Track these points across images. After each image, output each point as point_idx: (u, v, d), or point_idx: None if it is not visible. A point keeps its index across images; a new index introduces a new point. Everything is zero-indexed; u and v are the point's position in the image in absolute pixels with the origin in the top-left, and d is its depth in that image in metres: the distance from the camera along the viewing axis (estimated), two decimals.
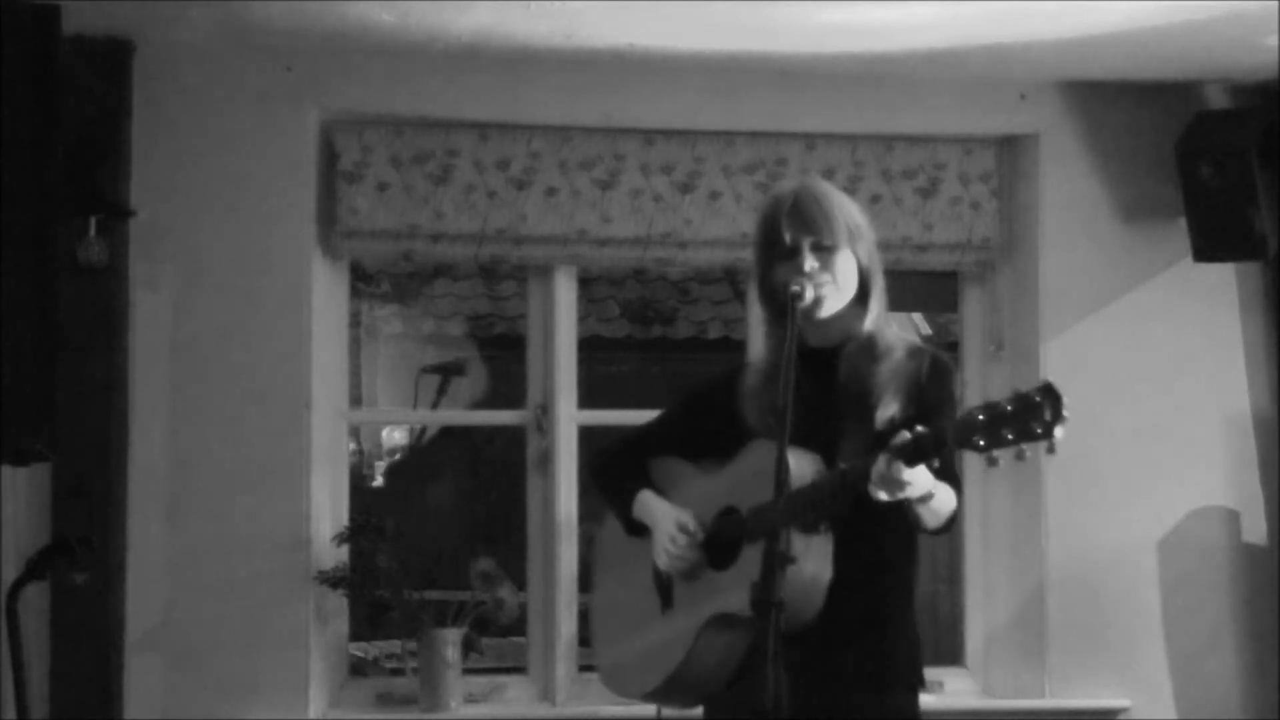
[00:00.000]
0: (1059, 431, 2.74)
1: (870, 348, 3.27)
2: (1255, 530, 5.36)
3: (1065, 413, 2.73)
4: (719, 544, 3.30)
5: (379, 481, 10.69)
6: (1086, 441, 5.17)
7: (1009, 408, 2.79)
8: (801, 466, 3.09)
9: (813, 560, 3.09)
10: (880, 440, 3.09)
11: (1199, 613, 5.31)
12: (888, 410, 3.19)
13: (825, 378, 3.22)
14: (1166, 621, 5.28)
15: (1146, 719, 5.22)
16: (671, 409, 3.59)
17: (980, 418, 2.82)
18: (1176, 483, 5.31)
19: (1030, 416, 2.76)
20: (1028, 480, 5.17)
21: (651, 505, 3.42)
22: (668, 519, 3.36)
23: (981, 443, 2.81)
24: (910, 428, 3.00)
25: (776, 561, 2.88)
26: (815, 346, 3.25)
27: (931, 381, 3.24)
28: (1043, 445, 2.76)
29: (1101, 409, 5.25)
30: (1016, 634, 5.31)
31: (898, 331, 3.34)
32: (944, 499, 3.08)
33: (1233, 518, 5.36)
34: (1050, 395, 2.75)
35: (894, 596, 3.30)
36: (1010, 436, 2.78)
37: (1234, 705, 5.30)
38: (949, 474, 3.09)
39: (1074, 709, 5.21)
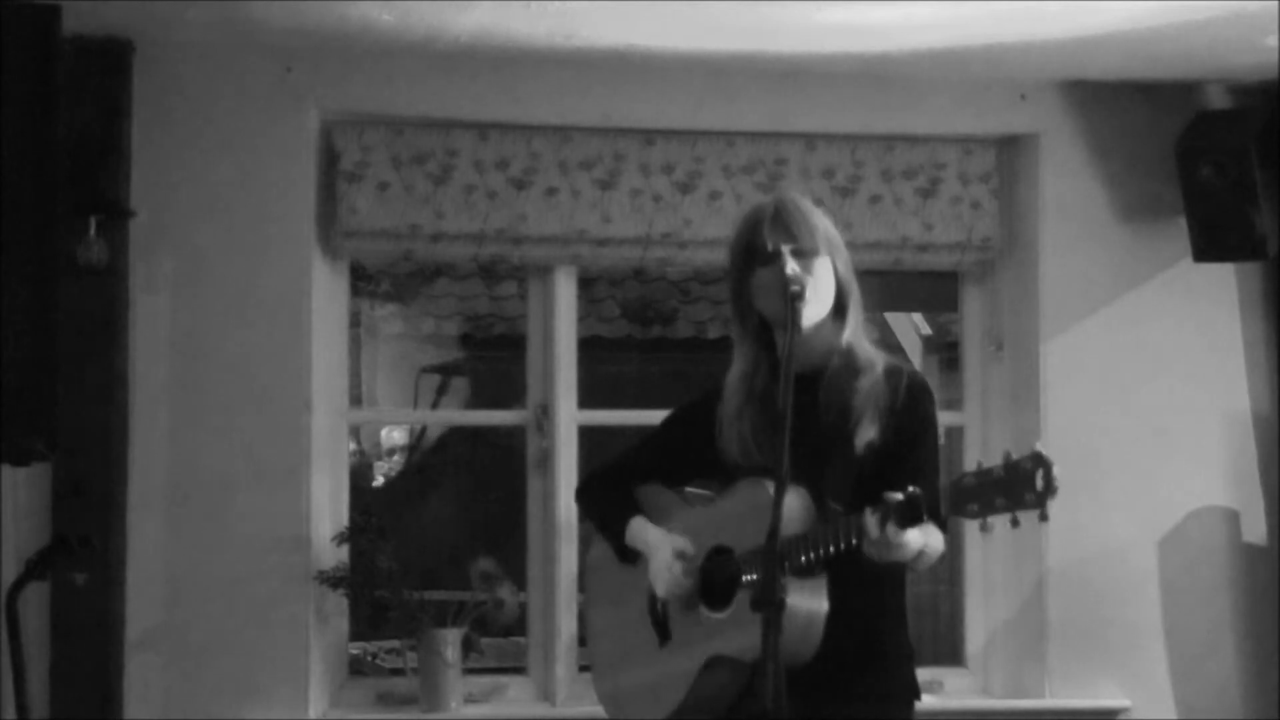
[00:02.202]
0: (1051, 502, 2.77)
1: (850, 363, 3.28)
2: (1255, 530, 5.36)
3: (1056, 483, 2.77)
4: (712, 584, 3.32)
5: (379, 481, 10.70)
6: (1086, 441, 5.19)
7: (1001, 474, 2.82)
8: (790, 502, 3.10)
9: (808, 597, 3.12)
10: (862, 470, 3.15)
11: (1199, 613, 5.32)
12: (866, 435, 3.22)
13: (807, 405, 3.21)
14: (1166, 621, 5.28)
15: (1146, 719, 5.22)
16: (654, 435, 3.61)
17: (973, 484, 2.85)
18: (1176, 483, 5.31)
19: (1022, 485, 2.79)
20: None
21: (645, 532, 3.45)
22: (664, 545, 3.38)
23: (974, 509, 2.85)
24: (892, 464, 3.10)
25: (776, 563, 2.89)
26: (795, 372, 3.25)
27: (907, 409, 3.25)
28: (1035, 514, 2.79)
29: (1101, 409, 5.26)
30: (1016, 634, 5.31)
31: (875, 348, 3.35)
32: (934, 548, 3.10)
33: (1233, 518, 5.36)
34: (1041, 463, 2.78)
35: (889, 619, 3.32)
36: (1003, 504, 2.81)
37: (1234, 705, 5.30)
38: (935, 514, 3.10)
39: (1074, 709, 5.21)
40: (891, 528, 2.96)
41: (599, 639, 3.65)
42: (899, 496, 2.95)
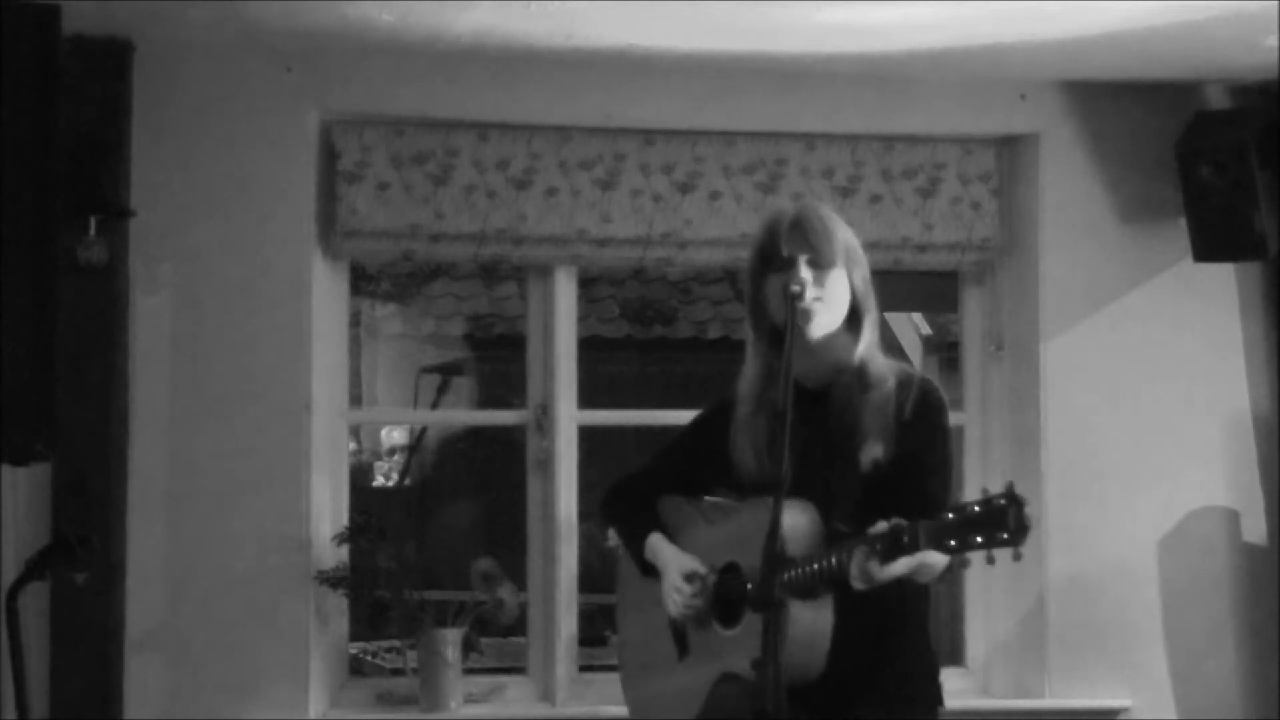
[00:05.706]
0: (1024, 540, 2.81)
1: (861, 378, 3.27)
2: (1255, 530, 5.36)
3: (1029, 522, 2.80)
4: (724, 601, 3.33)
5: (378, 481, 10.70)
6: (1086, 441, 5.19)
7: (976, 511, 2.85)
8: (797, 520, 3.11)
9: (811, 611, 3.12)
10: (868, 488, 3.16)
11: (1199, 613, 5.32)
12: (872, 453, 3.21)
13: (816, 420, 3.21)
14: (1166, 621, 5.28)
15: (1146, 719, 5.22)
16: (674, 444, 3.63)
17: (951, 521, 2.87)
18: (1176, 483, 5.31)
19: (996, 523, 2.82)
20: (1027, 481, 5.16)
21: (660, 550, 3.47)
22: (674, 566, 3.41)
23: (953, 544, 2.87)
24: (899, 476, 3.11)
25: (775, 564, 2.90)
26: (806, 387, 3.24)
27: (915, 419, 3.24)
28: (1009, 551, 2.82)
29: (1101, 409, 5.26)
30: (1016, 634, 5.31)
31: (890, 361, 3.34)
32: (932, 562, 3.05)
33: (1233, 518, 5.36)
34: (1014, 501, 2.81)
35: (905, 628, 3.30)
36: (979, 540, 2.85)
37: (1234, 705, 5.30)
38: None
39: (1074, 709, 5.21)
40: (874, 563, 2.96)
41: (627, 647, 3.70)
42: (883, 528, 2.95)
